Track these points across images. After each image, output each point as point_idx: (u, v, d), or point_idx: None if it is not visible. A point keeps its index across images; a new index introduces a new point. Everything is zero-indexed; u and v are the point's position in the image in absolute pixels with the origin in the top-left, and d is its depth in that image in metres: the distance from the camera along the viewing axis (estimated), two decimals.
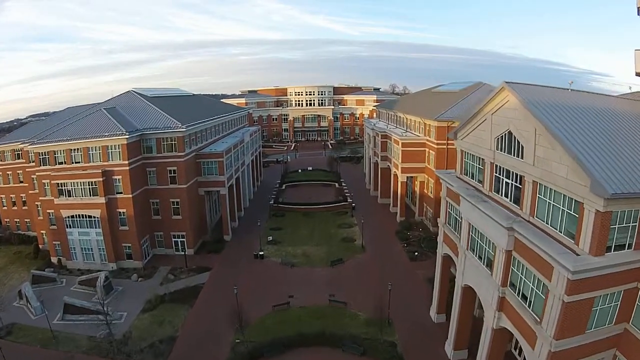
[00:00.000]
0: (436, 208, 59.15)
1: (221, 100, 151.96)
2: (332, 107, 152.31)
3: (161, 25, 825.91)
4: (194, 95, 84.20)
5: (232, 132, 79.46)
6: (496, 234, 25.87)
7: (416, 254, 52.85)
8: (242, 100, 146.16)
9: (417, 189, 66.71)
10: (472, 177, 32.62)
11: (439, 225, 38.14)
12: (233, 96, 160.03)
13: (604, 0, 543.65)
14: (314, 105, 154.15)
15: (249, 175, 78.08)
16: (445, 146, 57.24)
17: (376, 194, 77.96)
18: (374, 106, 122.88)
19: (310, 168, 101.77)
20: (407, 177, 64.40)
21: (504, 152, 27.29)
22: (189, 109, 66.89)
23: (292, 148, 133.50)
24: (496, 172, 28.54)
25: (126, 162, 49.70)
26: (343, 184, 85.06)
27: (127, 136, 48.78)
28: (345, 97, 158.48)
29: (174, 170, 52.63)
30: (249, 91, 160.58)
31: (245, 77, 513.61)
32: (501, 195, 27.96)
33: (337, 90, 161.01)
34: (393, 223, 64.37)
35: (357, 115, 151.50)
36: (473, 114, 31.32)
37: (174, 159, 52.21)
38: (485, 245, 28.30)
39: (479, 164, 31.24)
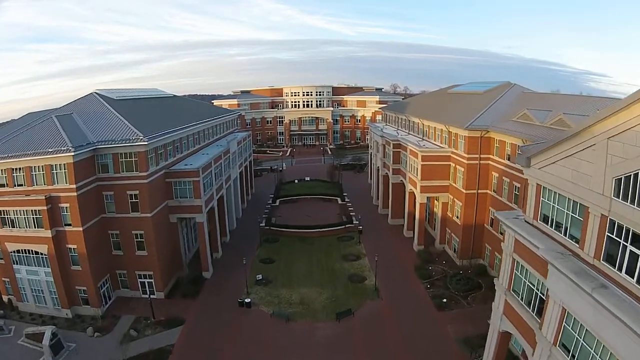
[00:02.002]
0: (464, 238, 48.48)
1: (212, 101, 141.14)
2: (332, 108, 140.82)
3: (159, 26, 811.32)
4: (174, 96, 72.69)
5: (217, 140, 68.06)
6: (631, 350, 14.80)
7: (444, 300, 41.69)
8: (234, 102, 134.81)
9: (437, 210, 55.65)
10: (558, 229, 21.47)
11: (496, 287, 26.99)
12: (224, 97, 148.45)
13: (601, 1, 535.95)
14: (311, 106, 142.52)
15: (236, 190, 66.67)
16: (477, 161, 46.27)
17: (386, 212, 66.82)
18: (379, 108, 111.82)
19: (308, 178, 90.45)
20: (427, 197, 53.26)
21: (633, 203, 16.14)
22: (163, 114, 55.48)
23: (288, 154, 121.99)
24: (612, 232, 17.39)
25: (73, 185, 38.34)
26: (346, 199, 73.80)
27: (72, 153, 37.35)
28: (345, 97, 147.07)
29: (136, 195, 41.18)
30: (242, 91, 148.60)
31: (243, 78, 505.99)
32: (620, 270, 16.80)
33: (336, 91, 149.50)
34: (410, 252, 53.21)
35: (359, 118, 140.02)
36: (569, 134, 20.19)
37: (135, 180, 40.72)
38: (597, 353, 17.18)
39: (575, 212, 20.11)
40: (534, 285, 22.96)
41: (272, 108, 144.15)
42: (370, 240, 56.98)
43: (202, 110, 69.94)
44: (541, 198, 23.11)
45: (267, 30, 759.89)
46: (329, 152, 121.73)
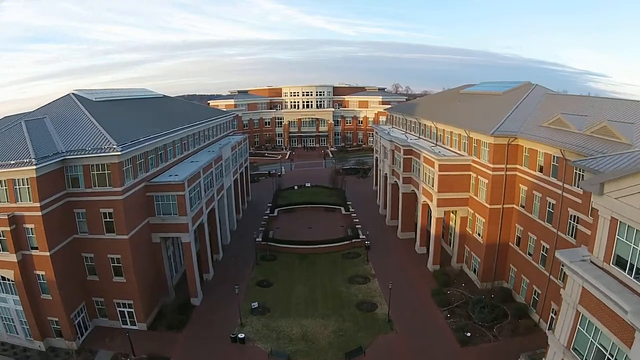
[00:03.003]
0: (487, 258, 43.10)
1: (208, 102, 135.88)
2: (333, 109, 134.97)
3: (158, 26, 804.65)
4: (164, 97, 66.77)
5: (210, 145, 62.53)
6: None
7: (468, 334, 36.07)
8: (231, 102, 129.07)
9: (453, 223, 50.15)
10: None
11: (549, 342, 21.44)
12: (221, 97, 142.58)
13: (602, 1, 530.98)
14: (311, 107, 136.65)
15: (230, 200, 60.97)
16: (503, 172, 40.71)
17: (394, 223, 61.27)
18: (384, 109, 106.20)
19: (309, 184, 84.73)
20: (444, 211, 47.62)
21: None
22: (148, 117, 49.70)
23: (287, 157, 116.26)
24: None
25: (37, 204, 32.67)
26: (350, 208, 68.07)
27: (35, 165, 31.70)
28: (347, 98, 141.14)
29: (110, 214, 35.47)
30: (239, 92, 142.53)
31: (242, 78, 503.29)
32: None
33: (337, 91, 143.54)
34: (424, 273, 47.64)
35: (361, 119, 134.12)
36: None
37: (108, 196, 34.94)
38: None
39: None
40: (606, 349, 17.57)
41: (271, 109, 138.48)
42: (379, 257, 51.36)
43: (194, 112, 64.33)
44: (617, 236, 17.66)
45: (266, 31, 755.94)
46: (330, 155, 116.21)
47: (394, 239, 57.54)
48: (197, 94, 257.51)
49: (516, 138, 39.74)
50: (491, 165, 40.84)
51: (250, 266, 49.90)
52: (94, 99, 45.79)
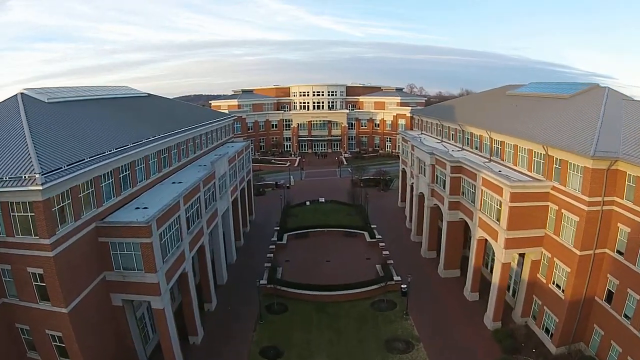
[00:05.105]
0: (569, 318, 31.71)
1: (210, 102, 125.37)
2: (347, 111, 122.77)
3: (164, 26, 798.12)
4: (149, 96, 54.82)
5: (203, 155, 51.11)
6: None
7: None
8: (234, 102, 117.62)
9: (518, 266, 38.31)
10: None
11: None
12: (224, 97, 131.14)
13: (608, 2, 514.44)
14: (323, 108, 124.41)
15: (228, 228, 49.07)
16: (599, 207, 28.82)
17: (433, 255, 49.56)
18: (408, 112, 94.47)
19: (323, 199, 72.95)
20: (512, 254, 35.57)
21: None
22: (119, 124, 37.55)
23: (296, 164, 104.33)
24: None
25: None
26: (376, 234, 55.61)
27: None
28: (361, 98, 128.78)
29: (40, 276, 23.88)
30: (243, 91, 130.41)
31: (249, 78, 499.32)
32: None
33: (350, 91, 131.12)
34: (481, 332, 35.68)
35: (377, 122, 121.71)
36: None
37: (34, 250, 23.14)
38: None
39: None
40: None
41: (278, 110, 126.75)
42: (421, 307, 39.26)
43: (186, 115, 52.91)
44: None
45: (273, 31, 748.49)
46: (345, 163, 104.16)
47: (435, 278, 45.41)
48: (204, 94, 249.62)
49: (616, 161, 27.89)
50: (587, 199, 28.86)
51: (253, 321, 37.98)
52: (45, 100, 34.37)
